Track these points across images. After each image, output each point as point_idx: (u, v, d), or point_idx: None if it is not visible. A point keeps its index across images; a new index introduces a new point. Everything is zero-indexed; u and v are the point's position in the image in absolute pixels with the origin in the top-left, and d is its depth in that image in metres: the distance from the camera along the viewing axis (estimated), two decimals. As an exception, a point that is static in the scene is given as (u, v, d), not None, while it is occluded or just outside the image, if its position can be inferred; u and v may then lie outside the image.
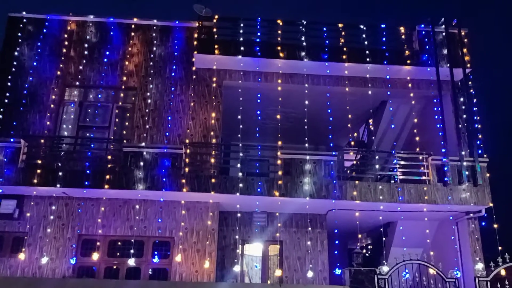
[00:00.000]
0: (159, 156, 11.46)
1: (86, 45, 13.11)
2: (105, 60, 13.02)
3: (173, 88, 12.90)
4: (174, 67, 13.09)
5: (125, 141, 11.90)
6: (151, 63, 13.09)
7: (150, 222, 11.51)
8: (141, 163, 11.28)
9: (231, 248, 12.15)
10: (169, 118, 12.58)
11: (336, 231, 12.25)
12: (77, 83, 12.84)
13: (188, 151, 11.61)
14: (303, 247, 12.30)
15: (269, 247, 12.58)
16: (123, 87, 12.85)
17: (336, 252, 12.43)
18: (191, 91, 12.86)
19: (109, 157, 11.44)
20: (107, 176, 11.07)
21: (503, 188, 12.36)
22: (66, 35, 13.22)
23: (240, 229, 12.16)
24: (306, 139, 12.11)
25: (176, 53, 13.22)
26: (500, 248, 10.37)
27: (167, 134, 12.39)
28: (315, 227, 12.43)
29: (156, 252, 11.28)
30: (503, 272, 9.54)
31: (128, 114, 12.68)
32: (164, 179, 11.18)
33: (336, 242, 12.16)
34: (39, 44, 13.07)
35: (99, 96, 12.92)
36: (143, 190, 11.08)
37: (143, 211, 11.57)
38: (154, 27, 13.45)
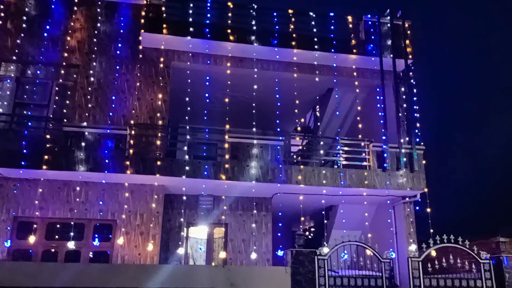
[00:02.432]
0: (102, 137, 11.12)
1: (24, 18, 12.33)
2: (46, 35, 12.32)
3: (118, 67, 12.48)
4: (120, 45, 12.64)
5: (65, 120, 11.42)
6: (95, 40, 12.55)
7: (92, 204, 11.19)
8: (83, 144, 10.89)
9: (176, 231, 12.10)
10: (114, 98, 12.18)
11: (280, 214, 12.51)
12: (14, 57, 12.07)
13: (133, 132, 11.34)
14: (248, 229, 12.46)
15: (214, 230, 12.65)
16: (64, 64, 12.26)
17: (279, 234, 12.71)
18: (137, 71, 12.51)
19: (48, 136, 10.94)
20: (46, 157, 10.61)
21: (437, 175, 13.11)
22: (2, 6, 12.37)
23: (185, 212, 12.11)
24: (254, 123, 12.18)
25: (122, 31, 12.75)
26: (432, 230, 11.03)
27: (110, 114, 12.00)
28: (260, 210, 12.62)
29: (97, 235, 11.01)
30: (434, 253, 10.17)
31: (69, 93, 12.13)
32: (107, 161, 10.87)
33: (280, 224, 12.43)
34: (-28, 14, 12.16)
35: (38, 72, 12.26)
36: (85, 172, 10.73)
37: (84, 193, 11.22)
38: (99, 3, 12.87)
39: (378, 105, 13.15)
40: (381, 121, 12.79)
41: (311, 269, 9.51)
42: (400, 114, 12.85)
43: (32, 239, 10.50)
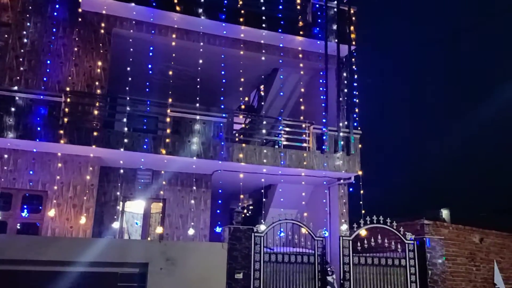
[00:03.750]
0: (34, 103, 10.46)
1: None
2: (-27, -12, 11.28)
3: (54, 30, 11.72)
4: (57, 6, 11.83)
5: (-6, 83, 10.62)
6: (30, -1, 11.67)
7: (21, 174, 10.57)
8: (13, 109, 10.20)
9: (111, 205, 11.77)
10: (48, 62, 11.45)
11: (220, 191, 12.55)
12: None
13: (68, 100, 10.77)
14: (186, 205, 12.40)
15: (151, 205, 12.45)
16: (-6, 21, 11.32)
17: (218, 211, 12.78)
18: (76, 35, 11.82)
19: (-27, 99, 10.12)
20: (-30, 121, 9.84)
21: (371, 159, 13.70)
22: None
23: (122, 186, 11.79)
24: (198, 98, 12.00)
25: (60, -9, 11.95)
26: (363, 211, 11.59)
27: (45, 79, 11.30)
28: (200, 186, 12.57)
29: (26, 206, 10.46)
30: (364, 233, 10.71)
31: (-1, 54, 11.26)
32: (39, 129, 10.28)
33: (220, 202, 12.48)
34: None
35: (-37, 28, 11.24)
36: (14, 139, 10.08)
37: (13, 161, 10.56)
38: (35, -42, 11.92)
39: (321, 89, 13.43)
40: (323, 104, 13.09)
41: (248, 246, 9.69)
42: (340, 99, 13.20)
43: (-49, 208, 9.79)
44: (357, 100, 13.29)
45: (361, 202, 12.00)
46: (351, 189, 12.99)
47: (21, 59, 11.25)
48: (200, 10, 12.34)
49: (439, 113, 27.46)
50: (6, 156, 10.50)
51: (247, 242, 9.68)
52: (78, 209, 10.77)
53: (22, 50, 11.31)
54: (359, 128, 12.98)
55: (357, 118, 13.07)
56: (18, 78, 11.08)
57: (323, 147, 12.44)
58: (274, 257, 9.92)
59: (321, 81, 13.48)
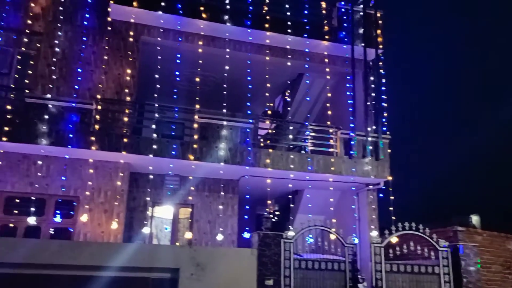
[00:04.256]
0: (66, 110, 10.68)
1: (-17, -21, 11.57)
2: (7, -1, 11.62)
3: (84, 38, 11.96)
4: (87, 15, 12.10)
5: (27, 91, 10.87)
6: (61, 8, 11.93)
7: (53, 179, 10.77)
8: (46, 116, 10.43)
9: (141, 210, 11.88)
10: (79, 70, 11.69)
11: (247, 196, 12.53)
12: (-28, 21, 11.34)
13: (99, 107, 10.97)
14: (214, 211, 12.42)
15: (180, 210, 12.52)
16: (27, 31, 11.61)
17: (246, 217, 12.76)
18: (105, 44, 12.04)
19: (9, 107, 10.39)
20: (6, 128, 10.09)
21: (401, 164, 13.48)
22: (-41, -35, 11.54)
23: (151, 191, 11.89)
24: (224, 104, 12.05)
25: (89, 0, 12.20)
26: (393, 218, 11.39)
27: (76, 87, 11.53)
28: (227, 192, 12.58)
29: (58, 211, 10.65)
30: (395, 240, 10.52)
31: (31, 62, 11.53)
32: (70, 135, 10.47)
33: (247, 207, 12.46)
34: None
35: (-1, 38, 11.57)
36: (47, 146, 10.30)
37: (46, 167, 10.77)
38: (65, -32, 12.22)
39: (348, 93, 13.32)
40: (350, 109, 12.98)
41: (277, 252, 9.62)
42: (368, 103, 13.06)
43: (-12, 213, 10.04)
44: (385, 104, 13.13)
45: (391, 208, 11.81)
46: (380, 195, 12.79)
47: (52, 67, 11.51)
48: (226, 17, 12.42)
49: (468, 116, 26.92)
50: (39, 162, 10.72)
51: (276, 248, 9.61)
52: (109, 214, 10.91)
53: (53, 59, 11.58)
54: (388, 132, 12.80)
55: (385, 123, 12.89)
56: (50, 86, 11.34)
57: (351, 152, 12.31)
58: (304, 263, 9.82)
59: (348, 85, 13.37)
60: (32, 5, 11.77)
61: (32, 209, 10.30)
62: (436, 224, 11.81)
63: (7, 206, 10.53)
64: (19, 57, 11.56)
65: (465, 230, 11.11)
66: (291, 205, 12.62)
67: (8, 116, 10.27)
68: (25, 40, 11.61)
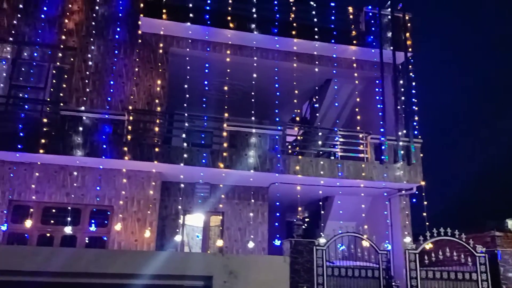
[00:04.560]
0: (99, 121, 10.97)
1: (21, -2, 12.06)
2: (43, 16, 12.07)
3: (116, 51, 12.29)
4: (118, 29, 12.44)
5: (62, 104, 11.24)
6: (93, 23, 12.33)
7: (88, 189, 11.07)
8: (80, 128, 10.74)
9: (172, 218, 12.05)
10: (112, 82, 12.02)
11: (277, 203, 12.52)
12: (10, 38, 11.82)
13: (131, 118, 11.22)
14: (244, 218, 12.46)
15: (210, 218, 12.62)
16: (61, 46, 12.04)
17: (276, 224, 12.74)
18: (136, 56, 12.34)
19: (45, 120, 10.78)
20: (42, 140, 10.46)
21: (434, 168, 13.20)
22: (-3, -15, 12.07)
23: (182, 200, 12.05)
24: (253, 112, 12.13)
25: (120, 14, 12.54)
26: (427, 223, 11.14)
27: (109, 99, 11.85)
28: (257, 199, 12.61)
29: (93, 221, 10.92)
30: (429, 246, 10.28)
31: (66, 76, 11.95)
32: (104, 146, 10.75)
33: (279, 214, 12.45)
34: (-34, -8, 11.84)
35: (35, 54, 12.02)
36: (82, 157, 10.61)
37: (81, 178, 11.09)
38: (97, -16, 12.62)
39: (377, 97, 13.17)
40: (380, 114, 12.82)
41: (310, 259, 9.56)
42: (398, 107, 12.88)
43: (27, 223, 10.38)
44: (416, 108, 12.91)
45: (424, 214, 11.55)
46: (413, 200, 12.55)
47: (86, 81, 11.87)
48: (253, 26, 12.52)
49: (501, 117, 26.13)
50: (75, 173, 11.04)
51: (308, 256, 9.55)
52: (142, 223, 11.11)
53: (87, 72, 11.94)
54: (419, 136, 12.58)
55: (417, 126, 12.69)
56: (84, 98, 11.70)
57: (382, 157, 12.14)
58: (337, 271, 9.71)
59: (377, 89, 13.22)
60: (66, 21, 12.19)
61: (68, 218, 10.61)
62: (470, 229, 11.47)
63: (45, 216, 10.87)
64: (54, 71, 11.99)
65: (503, 235, 10.75)
66: (322, 212, 12.52)
67: (45, 129, 10.64)
68: (60, 55, 12.03)
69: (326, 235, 10.46)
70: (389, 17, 13.51)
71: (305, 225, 14.60)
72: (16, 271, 8.89)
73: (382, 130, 12.55)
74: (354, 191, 12.87)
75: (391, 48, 13.21)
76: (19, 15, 11.90)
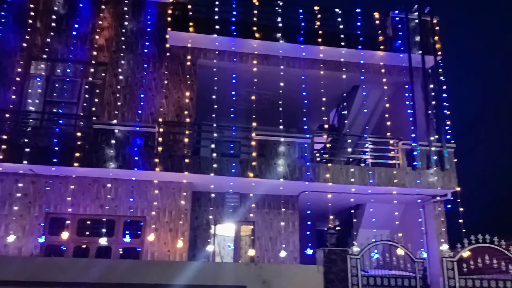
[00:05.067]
0: (131, 134, 11.18)
1: (53, 17, 12.47)
2: (74, 33, 12.45)
3: (145, 65, 12.55)
4: (147, 43, 12.71)
5: (95, 118, 11.51)
6: (123, 38, 12.64)
7: (121, 201, 11.26)
8: (112, 141, 10.97)
9: (204, 229, 12.11)
10: (142, 95, 12.25)
11: (309, 212, 12.42)
12: (44, 56, 12.23)
13: (161, 130, 11.39)
14: (275, 227, 12.41)
15: (241, 228, 12.62)
16: (93, 62, 12.37)
17: (308, 233, 12.63)
18: (164, 69, 12.56)
19: (79, 134, 11.07)
20: (77, 154, 10.72)
21: (469, 173, 12.85)
22: (31, 5, 12.52)
23: (213, 210, 12.10)
24: (280, 121, 12.13)
25: (148, 29, 12.82)
26: (464, 230, 10.82)
27: (139, 112, 12.08)
28: (287, 208, 12.55)
29: (127, 232, 11.08)
30: (466, 254, 9.96)
31: (98, 90, 12.26)
32: (136, 158, 10.93)
33: (309, 223, 12.34)
34: (2, 13, 12.31)
35: (68, 70, 12.39)
36: (115, 169, 10.81)
37: (114, 190, 11.30)
38: (126, 1, 12.92)
39: (407, 102, 12.98)
40: (410, 119, 12.61)
41: (343, 268, 9.40)
42: (429, 111, 12.64)
43: (64, 235, 10.62)
44: (447, 112, 12.64)
45: (461, 220, 11.23)
46: (448, 206, 12.22)
47: (117, 95, 12.15)
48: (279, 35, 12.58)
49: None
50: (108, 185, 11.26)
51: (342, 265, 9.40)
52: (174, 233, 11.21)
53: (118, 86, 12.22)
54: (452, 141, 12.29)
55: (449, 131, 12.40)
56: (115, 112, 11.96)
57: (415, 163, 11.90)
58: (372, 280, 9.51)
59: (406, 94, 13.03)
60: (97, 37, 12.54)
61: (103, 230, 10.80)
62: (509, 236, 11.05)
63: (80, 228, 11.11)
64: (87, 86, 12.32)
65: (546, 242, 10.32)
66: (354, 220, 12.33)
67: (79, 143, 10.92)
68: (92, 70, 12.37)
69: (359, 244, 10.28)
70: (417, 21, 13.34)
71: (337, 233, 14.43)
72: (54, 282, 9.10)
73: (413, 135, 12.33)
74: (386, 198, 12.65)
75: (420, 52, 13.03)
76: (51, 33, 12.31)
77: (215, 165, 11.18)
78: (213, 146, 11.52)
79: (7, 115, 11.15)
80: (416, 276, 9.67)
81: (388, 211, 13.13)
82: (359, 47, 12.87)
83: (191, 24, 12.28)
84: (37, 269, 9.24)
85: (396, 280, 9.58)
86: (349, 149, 12.32)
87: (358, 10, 13.43)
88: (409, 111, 12.80)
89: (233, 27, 12.42)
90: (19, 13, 12.39)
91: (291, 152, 11.77)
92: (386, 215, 13.16)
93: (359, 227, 13.27)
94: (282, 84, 12.67)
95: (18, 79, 11.88)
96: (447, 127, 12.45)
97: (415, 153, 12.01)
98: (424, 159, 12.02)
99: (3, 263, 9.27)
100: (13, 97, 11.70)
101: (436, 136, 12.38)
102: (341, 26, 13.01)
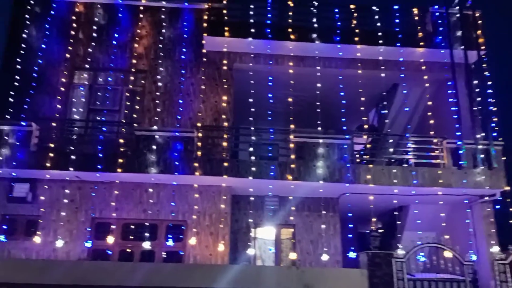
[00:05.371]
0: (171, 139, 11.35)
1: (94, 27, 12.88)
2: (114, 42, 12.81)
3: (183, 71, 12.74)
4: (184, 49, 12.90)
5: (136, 124, 11.78)
6: (161, 46, 12.90)
7: (163, 205, 11.45)
8: (153, 147, 11.17)
9: (244, 232, 12.12)
10: (180, 101, 12.44)
11: (350, 214, 12.21)
12: (87, 65, 12.65)
13: (200, 134, 11.50)
14: (315, 230, 12.25)
15: (281, 231, 12.54)
16: (132, 69, 12.68)
17: (350, 235, 12.40)
18: (202, 74, 12.71)
19: (121, 140, 11.33)
20: (120, 160, 10.98)
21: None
22: (74, 17, 12.99)
23: (252, 213, 12.09)
24: (319, 122, 12.00)
25: (185, 36, 13.02)
26: (514, 231, 10.34)
27: (178, 117, 12.27)
28: (327, 210, 12.36)
29: (169, 235, 11.25)
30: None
31: (138, 98, 12.55)
32: (176, 163, 11.08)
33: (351, 225, 12.13)
34: (47, 26, 12.84)
35: (109, 79, 12.76)
36: (156, 174, 11.00)
37: (156, 194, 11.50)
38: (163, 9, 13.21)
39: (450, 100, 12.54)
40: (454, 116, 12.17)
41: (388, 272, 9.18)
42: (474, 108, 12.16)
43: (109, 239, 10.90)
44: (494, 109, 12.12)
45: (511, 221, 10.71)
46: (497, 207, 11.69)
47: (157, 101, 12.39)
48: (314, 35, 12.48)
49: None
50: (150, 190, 11.47)
51: (387, 268, 9.18)
52: (214, 236, 11.28)
53: (157, 93, 12.46)
54: (500, 138, 11.76)
55: (496, 128, 11.88)
56: (155, 118, 12.20)
57: (460, 162, 11.46)
58: (419, 284, 9.24)
59: (449, 91, 12.59)
60: (136, 45, 12.84)
61: (146, 234, 11.00)
62: None
63: (124, 232, 11.36)
64: (127, 94, 12.64)
65: None
66: (398, 222, 12.00)
67: (121, 149, 11.18)
68: (132, 78, 12.68)
69: (404, 247, 10.00)
70: (458, 15, 12.89)
71: (380, 236, 14.11)
72: (101, 286, 9.36)
73: (458, 133, 11.89)
74: (431, 200, 12.24)
75: (462, 47, 12.57)
76: (93, 43, 12.71)
77: (253, 168, 11.18)
78: (251, 149, 11.53)
79: (54, 124, 11.58)
80: (466, 280, 9.31)
81: (433, 213, 12.70)
82: (398, 44, 12.57)
83: (226, 28, 12.38)
84: (84, 273, 9.56)
85: (445, 283, 9.27)
86: (391, 149, 12.03)
87: (396, 7, 13.12)
88: (452, 108, 12.36)
89: (268, 30, 12.42)
90: (62, 25, 12.88)
91: (331, 154, 11.60)
92: (432, 216, 12.74)
93: (403, 230, 12.89)
94: (319, 85, 12.56)
95: (62, 89, 12.34)
96: (493, 124, 11.93)
97: (460, 152, 11.57)
98: (470, 158, 11.56)
99: (52, 267, 9.64)
100: (58, 106, 12.15)
101: (482, 134, 11.90)
102: (379, 24, 12.77)
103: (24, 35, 12.67)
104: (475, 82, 12.54)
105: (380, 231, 14.04)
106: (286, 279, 9.26)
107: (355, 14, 12.89)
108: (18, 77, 12.19)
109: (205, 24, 12.57)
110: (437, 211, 12.56)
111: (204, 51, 12.73)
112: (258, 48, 12.65)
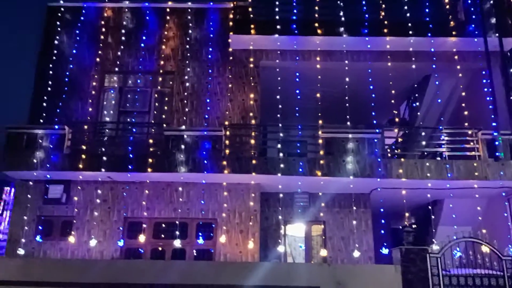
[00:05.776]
0: (199, 139, 11.45)
1: (123, 31, 13.15)
2: (142, 45, 13.03)
3: (210, 71, 12.83)
4: (210, 49, 12.98)
5: (165, 125, 11.94)
6: (187, 47, 13.03)
7: (193, 204, 11.56)
8: (182, 146, 11.30)
9: (273, 229, 12.09)
10: (208, 100, 12.53)
11: (382, 210, 11.96)
12: (116, 69, 12.94)
13: (228, 133, 11.54)
14: (346, 227, 12.08)
15: (311, 227, 12.43)
16: (161, 71, 12.87)
17: (382, 231, 12.16)
18: (228, 73, 12.75)
19: (151, 141, 11.53)
20: (150, 160, 11.16)
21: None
22: (103, 22, 13.31)
23: (282, 210, 12.04)
24: (348, 117, 11.80)
25: (211, 35, 13.10)
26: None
27: (206, 116, 12.36)
28: (358, 206, 12.16)
29: (200, 234, 11.35)
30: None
31: (166, 99, 12.72)
32: (205, 162, 11.16)
33: (383, 221, 11.88)
34: (77, 32, 13.21)
35: (138, 81, 13.00)
36: (186, 173, 11.11)
37: (186, 193, 11.63)
38: (189, 10, 13.35)
39: (485, 89, 12.07)
40: (490, 107, 11.71)
41: (423, 268, 8.89)
42: (511, 98, 11.65)
43: (141, 238, 11.10)
44: (532, 97, 11.58)
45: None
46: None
47: (185, 101, 12.52)
48: (341, 29, 12.28)
49: None
50: (180, 189, 11.61)
51: (422, 264, 8.89)
52: (244, 234, 11.30)
53: (185, 93, 12.59)
54: (538, 128, 11.23)
55: (534, 118, 11.34)
56: (184, 118, 12.34)
57: (497, 154, 11.02)
58: (455, 280, 8.90)
59: (484, 81, 12.13)
60: (163, 47, 13.02)
61: (177, 232, 11.14)
62: None
63: (156, 231, 11.55)
64: (156, 95, 12.84)
65: None
66: (432, 217, 11.66)
67: (151, 149, 11.38)
68: (160, 79, 12.86)
69: (438, 242, 9.69)
70: (491, 1, 12.38)
71: (414, 231, 13.75)
72: (134, 284, 9.51)
73: (494, 124, 11.43)
74: (466, 193, 11.83)
75: (497, 35, 12.07)
76: (122, 47, 12.98)
77: (282, 165, 11.12)
78: (279, 146, 11.49)
79: (86, 127, 11.90)
80: (505, 275, 8.91)
81: (469, 206, 12.28)
82: (429, 34, 12.21)
83: (252, 26, 12.36)
84: (118, 272, 9.72)
85: (482, 279, 8.89)
86: (423, 142, 11.69)
87: (425, -4, 12.73)
88: (488, 98, 11.90)
89: (294, 26, 12.31)
90: (92, 31, 13.21)
91: (360, 149, 11.39)
92: (467, 210, 12.31)
93: (438, 224, 12.53)
94: (347, 79, 12.35)
95: (93, 92, 12.67)
96: (531, 114, 11.40)
97: (496, 143, 11.12)
98: (507, 149, 11.10)
99: (87, 266, 9.87)
100: (90, 109, 12.48)
101: (520, 124, 11.38)
102: (408, 15, 12.44)
103: (56, 42, 13.08)
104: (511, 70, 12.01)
105: (413, 226, 13.74)
106: (318, 276, 9.13)
107: (383, 6, 12.61)
108: (51, 83, 12.61)
109: (230, 23, 12.60)
110: (473, 204, 12.13)
111: (230, 50, 12.77)
112: (285, 45, 12.57)
